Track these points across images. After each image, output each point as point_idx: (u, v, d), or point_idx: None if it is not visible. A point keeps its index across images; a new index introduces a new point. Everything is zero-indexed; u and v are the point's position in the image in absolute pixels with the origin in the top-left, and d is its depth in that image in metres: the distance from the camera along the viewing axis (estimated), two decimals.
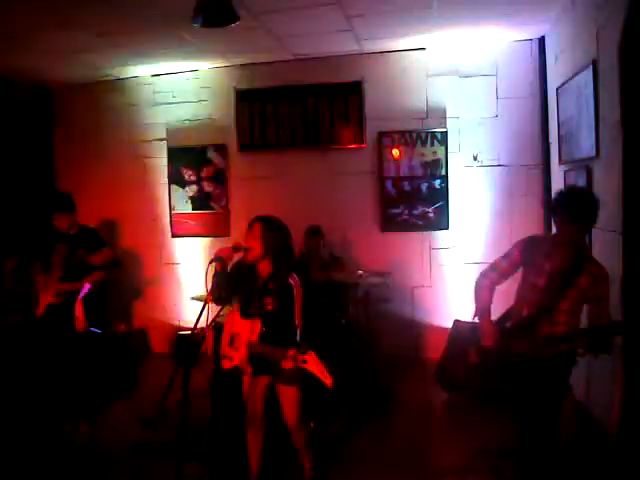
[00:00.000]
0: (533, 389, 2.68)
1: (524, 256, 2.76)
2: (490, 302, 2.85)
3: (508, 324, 2.83)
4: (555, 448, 2.68)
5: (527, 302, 2.73)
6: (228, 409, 3.68)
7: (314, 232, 4.59)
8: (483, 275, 2.89)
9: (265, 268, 2.80)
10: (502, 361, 2.74)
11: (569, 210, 2.53)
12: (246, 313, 2.83)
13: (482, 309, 2.85)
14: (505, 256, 2.84)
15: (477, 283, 2.90)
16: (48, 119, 5.97)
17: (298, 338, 2.72)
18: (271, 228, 2.77)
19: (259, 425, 2.95)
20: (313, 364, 2.52)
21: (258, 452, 3.00)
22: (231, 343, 2.83)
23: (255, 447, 2.99)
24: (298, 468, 3.01)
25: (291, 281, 2.75)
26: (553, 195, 2.75)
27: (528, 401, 2.73)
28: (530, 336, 2.65)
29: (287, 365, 2.58)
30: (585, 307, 2.66)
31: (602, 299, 2.55)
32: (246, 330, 2.76)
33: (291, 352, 2.56)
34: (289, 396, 2.83)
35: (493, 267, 2.87)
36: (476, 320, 2.89)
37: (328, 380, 2.51)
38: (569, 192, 2.72)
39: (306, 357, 2.53)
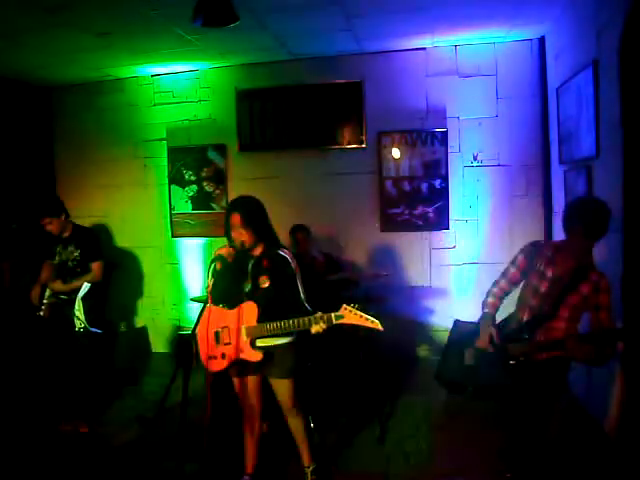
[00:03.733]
0: (526, 391, 2.69)
1: (528, 261, 2.77)
2: (495, 308, 2.87)
3: (508, 328, 2.83)
4: (545, 447, 2.69)
5: (528, 307, 2.73)
6: (226, 408, 3.68)
7: (297, 228, 4.56)
8: (493, 283, 2.92)
9: (257, 249, 2.78)
10: (497, 363, 2.75)
11: (585, 224, 2.50)
12: (236, 302, 2.75)
13: (485, 312, 2.87)
14: (512, 263, 2.86)
15: (488, 291, 2.93)
16: (48, 119, 5.97)
17: (309, 307, 2.64)
18: (246, 209, 2.72)
19: (255, 424, 2.95)
20: (351, 316, 2.41)
21: (254, 451, 2.98)
22: (217, 341, 2.78)
23: (251, 446, 2.98)
24: (298, 468, 3.01)
25: (284, 254, 2.72)
26: (567, 204, 2.73)
27: (520, 402, 2.75)
28: (528, 340, 2.65)
29: (317, 329, 2.49)
30: (586, 316, 2.65)
31: (602, 308, 2.53)
32: (235, 320, 2.70)
33: (319, 314, 2.49)
34: (282, 388, 2.82)
35: (502, 274, 2.89)
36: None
37: (375, 325, 2.39)
38: (585, 204, 2.68)
39: (341, 312, 2.44)
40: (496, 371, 2.77)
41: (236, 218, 2.69)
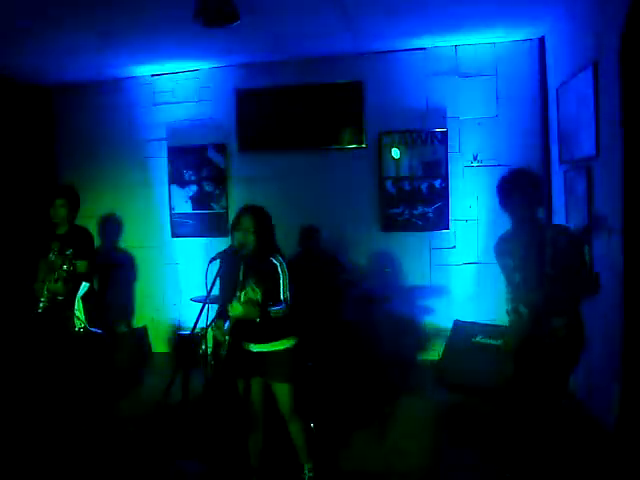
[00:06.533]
0: (546, 370, 2.64)
1: (502, 259, 2.81)
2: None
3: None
4: (545, 445, 2.68)
5: (521, 301, 2.72)
6: (227, 408, 3.69)
7: (306, 228, 4.62)
8: (506, 289, 2.88)
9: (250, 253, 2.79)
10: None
11: (526, 193, 2.63)
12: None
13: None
14: (500, 267, 2.87)
15: (505, 299, 2.88)
16: (48, 119, 5.97)
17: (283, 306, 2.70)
18: (261, 218, 2.80)
19: (259, 425, 2.95)
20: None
21: (258, 452, 2.99)
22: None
23: (255, 447, 2.98)
24: (298, 468, 3.01)
25: (275, 261, 2.75)
26: (501, 181, 2.79)
27: (540, 384, 2.68)
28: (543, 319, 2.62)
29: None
30: None
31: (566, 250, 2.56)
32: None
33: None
34: (282, 393, 2.84)
35: (505, 278, 2.86)
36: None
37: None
38: (520, 175, 2.75)
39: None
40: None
41: (248, 221, 2.76)
